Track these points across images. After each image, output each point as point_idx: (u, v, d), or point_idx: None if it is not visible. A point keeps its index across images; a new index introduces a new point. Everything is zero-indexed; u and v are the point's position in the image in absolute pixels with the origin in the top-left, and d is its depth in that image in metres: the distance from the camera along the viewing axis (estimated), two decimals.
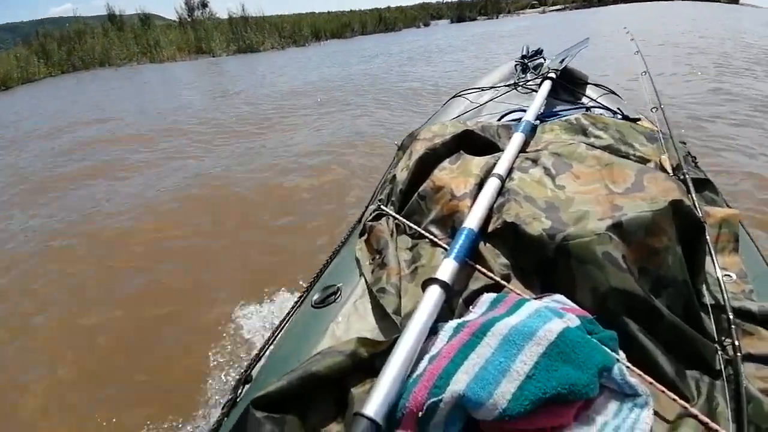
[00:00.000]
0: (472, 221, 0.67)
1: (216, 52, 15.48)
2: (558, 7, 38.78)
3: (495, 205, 0.73)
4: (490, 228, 0.70)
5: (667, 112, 1.24)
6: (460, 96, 1.70)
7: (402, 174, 0.89)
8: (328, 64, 10.18)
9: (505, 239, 0.68)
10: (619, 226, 0.58)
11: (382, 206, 0.87)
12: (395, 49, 12.29)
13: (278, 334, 0.71)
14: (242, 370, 0.64)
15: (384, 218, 0.84)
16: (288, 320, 0.73)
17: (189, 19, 18.42)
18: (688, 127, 3.07)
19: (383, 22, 27.02)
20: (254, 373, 0.64)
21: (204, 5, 19.81)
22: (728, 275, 0.67)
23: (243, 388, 0.63)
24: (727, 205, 0.85)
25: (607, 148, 0.84)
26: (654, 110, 1.23)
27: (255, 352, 0.69)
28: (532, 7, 43.38)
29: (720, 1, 40.47)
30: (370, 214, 0.87)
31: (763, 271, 0.74)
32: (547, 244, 0.61)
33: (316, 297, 0.74)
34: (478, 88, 1.69)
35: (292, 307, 0.76)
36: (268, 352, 0.68)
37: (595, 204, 0.64)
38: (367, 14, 27.59)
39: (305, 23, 23.23)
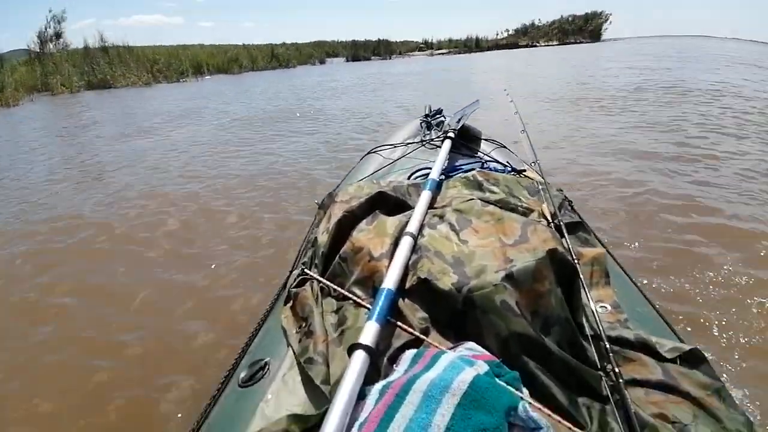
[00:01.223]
0: (389, 281, 0.69)
1: (55, 89, 12.19)
2: (443, 51, 41.83)
3: (410, 262, 0.75)
4: (407, 285, 0.71)
5: (545, 163, 1.44)
6: (374, 152, 1.77)
7: (323, 237, 0.91)
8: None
9: (421, 294, 0.70)
10: (511, 276, 0.64)
11: (306, 270, 0.87)
12: (282, 90, 10.80)
13: (205, 418, 0.68)
14: None
15: (308, 282, 0.84)
16: (214, 403, 0.71)
17: (38, 53, 14.51)
18: (564, 171, 3.33)
19: (276, 58, 25.55)
20: None
21: (58, 36, 16.06)
22: (604, 306, 0.74)
23: None
24: (599, 241, 0.98)
25: (499, 202, 0.93)
26: (533, 164, 1.39)
27: None
28: (420, 50, 46.29)
29: (581, 42, 47.95)
30: (294, 280, 0.87)
31: (635, 299, 0.83)
32: (456, 297, 0.64)
33: (243, 375, 0.72)
34: (390, 145, 1.78)
35: (218, 388, 0.74)
36: None
37: (491, 257, 0.70)
38: (257, 49, 25.92)
39: (184, 56, 20.61)
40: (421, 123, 2.02)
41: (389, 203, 0.96)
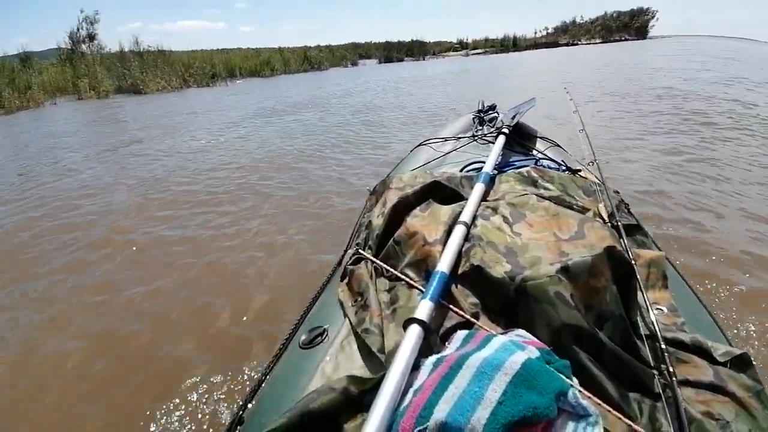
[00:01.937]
0: (443, 265, 0.70)
1: (84, 91, 11.86)
2: (479, 51, 40.16)
3: (463, 250, 0.75)
4: (460, 270, 0.72)
5: (602, 164, 1.39)
6: (424, 145, 1.72)
7: (378, 220, 0.92)
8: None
9: (473, 281, 0.70)
10: (567, 269, 0.63)
11: (360, 250, 0.88)
12: (303, 95, 9.89)
13: (267, 375, 0.71)
14: (234, 412, 0.68)
15: (363, 262, 0.85)
16: (276, 362, 0.74)
17: (71, 54, 14.42)
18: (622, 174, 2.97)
19: (308, 60, 24.96)
20: (246, 414, 0.65)
21: (91, 37, 15.99)
22: (660, 309, 0.73)
23: (236, 430, 0.63)
24: (657, 246, 0.92)
25: (553, 199, 0.90)
26: (590, 164, 1.36)
27: (246, 394, 0.69)
28: (455, 50, 44.76)
29: (627, 40, 44.90)
30: (350, 258, 0.89)
31: (693, 304, 0.81)
32: (509, 285, 0.64)
33: (303, 338, 0.75)
34: (441, 139, 1.71)
35: (279, 349, 0.76)
36: (259, 393, 0.69)
37: (546, 250, 0.69)
38: (291, 52, 25.43)
39: (218, 60, 20.31)
40: (473, 118, 1.95)
41: (443, 193, 0.96)
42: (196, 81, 14.75)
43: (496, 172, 1.09)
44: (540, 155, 1.42)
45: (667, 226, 2.11)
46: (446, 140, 1.71)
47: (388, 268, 0.81)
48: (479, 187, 0.94)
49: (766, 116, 4.64)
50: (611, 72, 10.42)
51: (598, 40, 47.67)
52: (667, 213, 2.33)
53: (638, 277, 0.69)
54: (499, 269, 0.66)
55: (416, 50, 36.94)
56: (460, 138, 1.68)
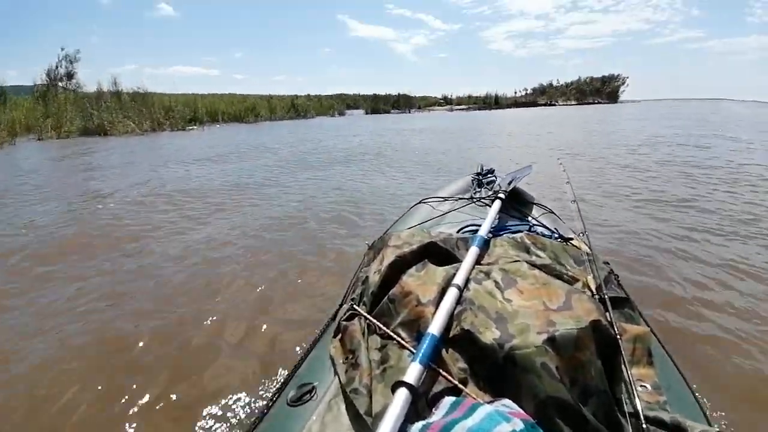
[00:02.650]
0: (435, 327, 0.70)
1: (44, 132, 10.94)
2: (463, 106, 41.61)
3: (455, 313, 0.75)
4: (451, 334, 0.71)
5: (594, 234, 1.46)
6: (423, 203, 1.74)
7: (374, 277, 0.92)
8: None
9: (462, 345, 0.70)
10: (553, 340, 0.63)
11: (355, 306, 0.89)
12: (273, 139, 9.23)
13: (253, 430, 0.71)
14: None
15: (356, 318, 0.86)
16: (262, 418, 0.72)
17: (45, 92, 13.62)
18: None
19: (294, 108, 24.95)
20: None
21: (70, 76, 15.35)
22: (644, 386, 0.71)
23: None
24: (645, 321, 0.91)
25: (544, 267, 0.91)
26: (581, 234, 1.34)
27: None
28: (440, 105, 46.31)
29: (599, 103, 47.54)
30: (345, 314, 0.89)
31: (677, 383, 0.79)
32: (497, 352, 0.64)
33: (291, 394, 0.74)
34: (440, 198, 1.74)
35: (267, 405, 0.76)
36: None
37: (534, 318, 0.69)
38: (278, 99, 25.46)
39: (202, 104, 19.95)
40: (472, 180, 1.97)
41: (439, 254, 0.97)
42: (172, 124, 14.04)
43: (491, 235, 1.10)
44: (534, 221, 1.42)
45: (657, 301, 1.95)
46: (445, 200, 1.71)
47: (381, 325, 0.80)
48: (473, 251, 0.95)
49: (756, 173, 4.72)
50: (592, 133, 10.21)
51: (573, 102, 50.30)
52: (658, 285, 2.13)
53: (623, 352, 0.69)
54: (489, 335, 0.66)
55: (402, 103, 37.93)
56: (458, 199, 1.69)
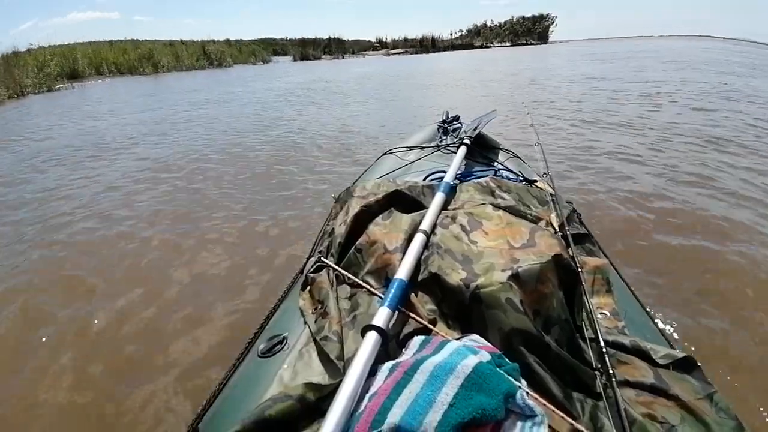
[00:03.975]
0: (402, 272, 0.70)
1: None
2: (399, 51, 38.69)
3: (422, 258, 0.75)
4: (419, 278, 0.72)
5: (556, 174, 1.64)
6: (389, 153, 1.70)
7: (340, 228, 0.91)
8: None
9: (430, 288, 0.70)
10: (517, 276, 0.64)
11: (322, 258, 0.87)
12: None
13: (224, 385, 0.69)
14: (188, 423, 0.61)
15: (324, 270, 0.84)
16: (233, 371, 0.71)
17: None
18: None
19: (207, 56, 20.89)
20: (201, 425, 0.62)
21: None
22: (603, 313, 0.74)
23: None
24: (604, 254, 0.93)
25: (509, 209, 0.91)
26: (545, 176, 1.33)
27: (202, 403, 0.65)
28: (375, 49, 42.79)
29: (531, 44, 47.55)
30: (312, 266, 0.88)
31: (634, 309, 0.82)
32: (464, 292, 0.64)
33: (262, 346, 0.73)
34: (406, 147, 1.70)
35: (238, 358, 0.74)
36: (215, 403, 0.66)
37: (499, 257, 0.70)
38: (183, 45, 21.05)
39: (83, 55, 15.63)
40: (438, 128, 1.91)
41: (405, 201, 0.96)
42: (35, 85, 10.54)
43: (457, 181, 1.09)
44: (500, 166, 1.40)
45: (612, 231, 1.97)
46: (411, 149, 1.67)
47: (349, 275, 0.79)
48: (440, 197, 0.94)
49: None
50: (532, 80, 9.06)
51: (507, 44, 49.40)
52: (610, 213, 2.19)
53: (583, 283, 0.71)
54: (455, 276, 0.67)
55: (334, 48, 34.21)
56: (424, 147, 1.65)
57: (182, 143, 4.22)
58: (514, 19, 53.07)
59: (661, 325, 1.05)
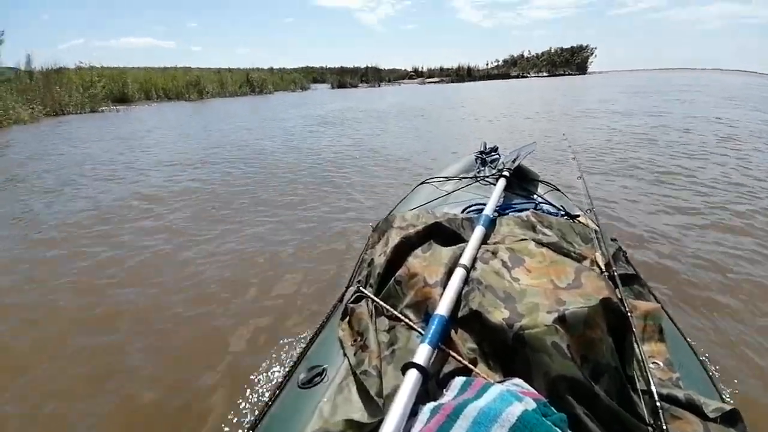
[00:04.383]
0: (443, 308, 0.67)
1: None
2: (435, 79, 39.09)
3: (462, 293, 0.73)
4: (459, 314, 0.69)
5: (600, 208, 1.57)
6: (426, 183, 1.68)
7: (380, 259, 0.90)
8: None
9: (471, 325, 0.68)
10: (563, 319, 0.60)
11: (361, 288, 0.86)
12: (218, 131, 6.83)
13: (265, 414, 0.70)
14: None
15: (363, 300, 0.83)
16: (274, 400, 0.72)
17: None
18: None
19: (250, 83, 21.76)
20: None
21: None
22: (656, 362, 0.69)
23: None
24: (654, 297, 0.90)
25: (552, 245, 0.88)
26: (588, 211, 1.30)
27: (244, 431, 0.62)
28: (410, 77, 43.51)
29: (570, 74, 46.75)
30: (351, 296, 0.87)
31: (689, 359, 0.77)
32: (507, 332, 0.62)
33: (302, 377, 0.73)
34: (443, 177, 1.67)
35: (278, 387, 0.75)
36: None
37: (543, 297, 0.66)
38: (229, 72, 22.11)
39: (133, 78, 16.62)
40: (476, 158, 1.88)
41: (444, 234, 0.94)
42: (77, 106, 11.05)
43: (496, 214, 1.06)
44: (540, 199, 1.37)
45: (666, 276, 1.79)
46: (448, 179, 1.64)
47: (389, 307, 0.78)
48: (479, 230, 0.92)
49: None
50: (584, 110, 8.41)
51: (545, 74, 48.86)
52: (665, 260, 1.95)
53: (634, 329, 0.67)
54: (498, 315, 0.64)
55: (371, 76, 34.95)
56: (462, 178, 1.62)
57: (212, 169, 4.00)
58: (552, 50, 52.78)
59: (714, 373, 0.98)
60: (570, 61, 51.97)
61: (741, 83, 18.21)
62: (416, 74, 43.23)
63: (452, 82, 35.84)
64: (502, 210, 1.18)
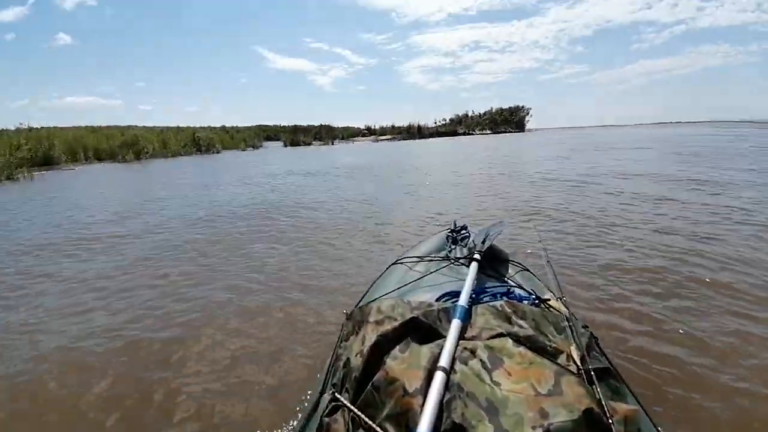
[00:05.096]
0: (424, 425, 0.64)
1: None
2: (388, 137, 40.36)
3: (444, 401, 0.70)
4: (442, 428, 0.66)
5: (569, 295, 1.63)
6: (398, 263, 1.66)
7: (357, 360, 0.86)
8: None
9: None
10: None
11: (337, 394, 0.82)
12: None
13: None
14: None
15: (340, 411, 0.78)
16: None
17: None
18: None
19: (196, 142, 20.76)
20: None
21: None
22: None
23: None
24: (629, 389, 0.90)
25: (528, 340, 0.89)
26: (558, 299, 1.30)
27: None
28: (364, 135, 44.67)
29: (510, 132, 50.45)
30: (327, 406, 0.80)
31: None
32: None
33: None
34: (416, 258, 1.67)
35: None
36: None
37: (526, 407, 0.66)
38: (173, 131, 21.06)
39: (62, 139, 15.17)
40: (447, 236, 1.88)
41: (422, 329, 0.92)
42: None
43: (471, 300, 1.08)
44: (512, 282, 1.39)
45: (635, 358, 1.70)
46: (421, 259, 1.63)
47: (367, 420, 0.73)
48: (456, 324, 0.91)
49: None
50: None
51: (488, 131, 52.57)
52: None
53: None
54: (482, 430, 0.63)
55: (324, 134, 35.36)
56: (433, 259, 1.61)
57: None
58: (494, 110, 57.44)
59: None
60: (509, 120, 56.63)
61: (647, 134, 20.13)
62: (369, 132, 44.64)
63: (404, 139, 37.13)
64: (476, 295, 1.20)
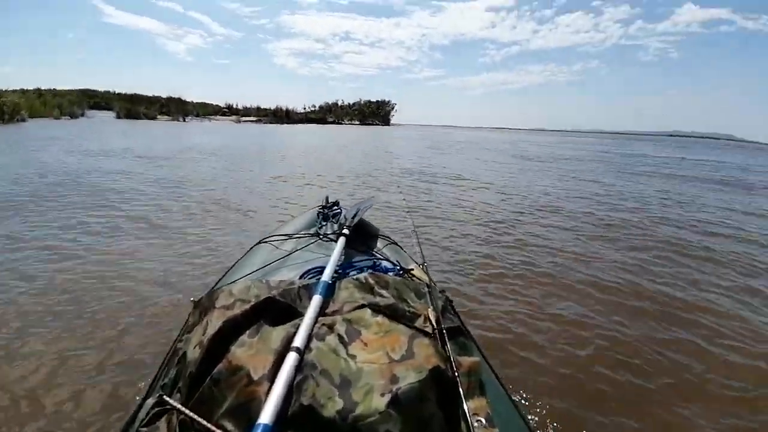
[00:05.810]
0: (266, 414, 0.57)
1: None
2: (252, 118, 37.42)
3: (295, 383, 0.64)
4: (290, 412, 0.61)
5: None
6: (265, 242, 1.56)
7: (194, 352, 0.74)
8: None
9: (303, 424, 0.60)
10: (397, 401, 0.61)
11: (165, 397, 0.67)
12: None
13: None
14: None
15: (166, 416, 0.65)
16: None
17: None
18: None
19: None
20: None
21: None
22: (479, 420, 0.70)
23: None
24: (477, 346, 0.94)
25: (388, 308, 0.88)
26: (421, 266, 1.35)
27: None
28: (224, 114, 40.32)
29: (377, 124, 52.73)
30: (147, 412, 0.66)
31: (508, 413, 0.79)
32: (341, 427, 0.59)
33: None
34: (284, 236, 1.58)
35: None
36: None
37: (378, 376, 0.66)
38: None
39: None
40: (318, 213, 1.83)
41: (277, 309, 0.83)
42: None
43: (336, 277, 1.03)
44: (378, 255, 1.38)
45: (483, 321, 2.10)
46: (289, 237, 1.55)
47: (200, 419, 0.62)
48: (316, 300, 0.85)
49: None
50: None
51: (356, 122, 54.14)
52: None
53: (461, 390, 0.70)
54: (331, 407, 0.60)
55: (174, 108, 30.63)
56: (303, 236, 1.54)
57: None
58: (362, 102, 59.32)
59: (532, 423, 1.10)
60: (377, 113, 59.43)
61: (498, 138, 24.18)
62: (230, 111, 40.81)
63: (270, 122, 35.14)
64: (343, 270, 1.15)
